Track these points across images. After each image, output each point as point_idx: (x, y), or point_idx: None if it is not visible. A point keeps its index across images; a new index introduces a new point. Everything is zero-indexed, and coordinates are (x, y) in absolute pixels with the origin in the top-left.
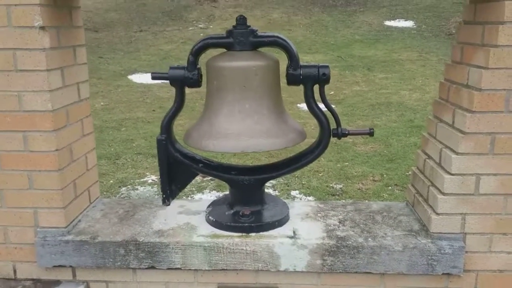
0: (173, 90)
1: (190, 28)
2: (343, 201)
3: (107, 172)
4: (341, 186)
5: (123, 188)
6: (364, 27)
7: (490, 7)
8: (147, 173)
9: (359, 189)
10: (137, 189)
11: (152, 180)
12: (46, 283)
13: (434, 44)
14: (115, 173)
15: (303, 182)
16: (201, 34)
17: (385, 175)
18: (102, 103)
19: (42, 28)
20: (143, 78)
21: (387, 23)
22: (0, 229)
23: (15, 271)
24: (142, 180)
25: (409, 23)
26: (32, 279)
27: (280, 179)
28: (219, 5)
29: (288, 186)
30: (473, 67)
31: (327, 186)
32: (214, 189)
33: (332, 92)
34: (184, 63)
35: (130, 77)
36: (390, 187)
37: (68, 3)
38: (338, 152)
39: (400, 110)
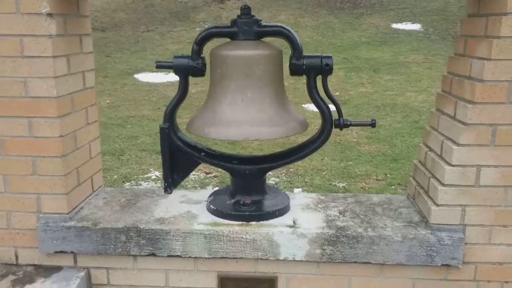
0: None
1: (197, 29)
2: (344, 194)
3: (111, 167)
4: (344, 184)
5: (127, 184)
6: (371, 29)
7: None
8: (151, 169)
9: (362, 187)
10: (140, 184)
11: (156, 176)
12: (47, 269)
13: (441, 47)
14: (119, 168)
15: (306, 180)
16: None
17: (388, 175)
18: (108, 101)
19: (49, 15)
20: (149, 77)
21: (394, 25)
22: (3, 215)
23: (17, 257)
24: (146, 176)
25: (416, 26)
26: (34, 265)
27: (283, 177)
28: (226, 7)
29: (291, 183)
30: (475, 59)
31: (330, 184)
32: (217, 186)
33: (337, 93)
34: None
35: (136, 76)
36: (393, 186)
37: None
38: (341, 151)
39: (405, 111)
